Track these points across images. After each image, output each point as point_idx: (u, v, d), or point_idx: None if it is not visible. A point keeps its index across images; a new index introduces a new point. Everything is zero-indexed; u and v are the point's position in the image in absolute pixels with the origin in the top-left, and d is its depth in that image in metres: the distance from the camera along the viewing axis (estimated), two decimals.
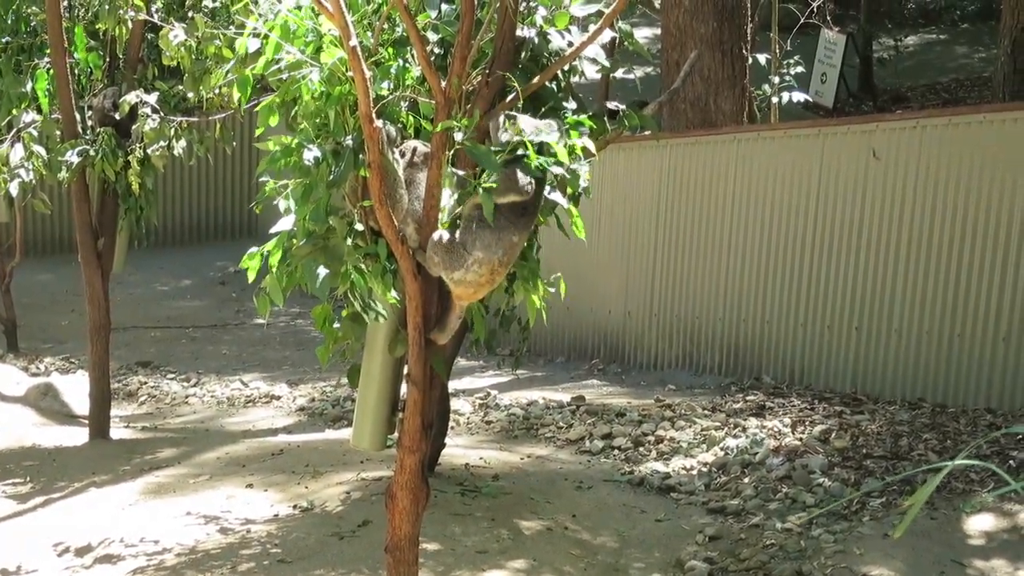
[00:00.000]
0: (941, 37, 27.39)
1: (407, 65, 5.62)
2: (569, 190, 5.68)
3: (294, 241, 5.49)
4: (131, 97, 9.02)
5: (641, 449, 9.47)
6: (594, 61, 6.03)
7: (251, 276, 5.58)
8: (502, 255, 5.18)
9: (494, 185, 5.09)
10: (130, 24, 9.22)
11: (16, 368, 13.19)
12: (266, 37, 5.52)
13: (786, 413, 9.88)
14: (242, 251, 5.75)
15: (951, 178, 10.05)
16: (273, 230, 5.55)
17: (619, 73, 17.71)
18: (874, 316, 10.62)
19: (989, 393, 9.74)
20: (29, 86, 9.61)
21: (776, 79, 16.18)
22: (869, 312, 10.66)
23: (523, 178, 5.15)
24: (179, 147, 9.26)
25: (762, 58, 15.59)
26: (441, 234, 5.25)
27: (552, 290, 5.90)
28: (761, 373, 11.55)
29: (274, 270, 5.51)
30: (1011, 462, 7.96)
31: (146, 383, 13.14)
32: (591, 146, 5.83)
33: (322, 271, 5.39)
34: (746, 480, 8.47)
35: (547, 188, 5.47)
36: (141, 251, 16.20)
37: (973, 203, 9.92)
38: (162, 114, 9.11)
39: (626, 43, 6.57)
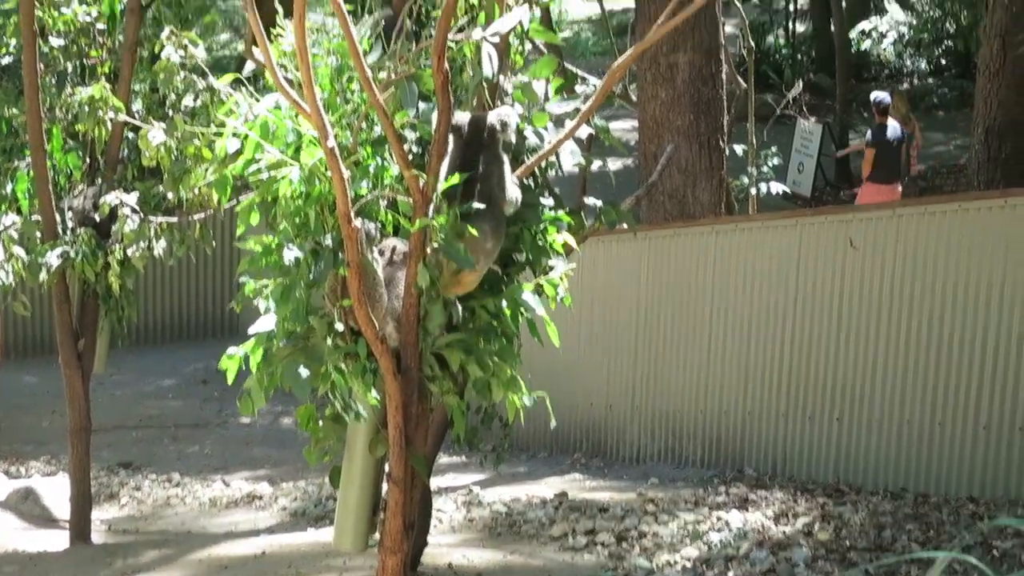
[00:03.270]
0: (917, 125, 27.64)
1: (386, 164, 5.66)
2: (547, 291, 5.69)
3: (274, 342, 5.48)
4: (111, 197, 9.00)
5: (624, 544, 9.40)
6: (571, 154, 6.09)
7: (230, 378, 5.57)
8: None
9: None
10: (110, 125, 9.24)
11: None
12: (246, 137, 5.56)
13: (769, 505, 9.84)
14: (224, 350, 5.73)
15: (928, 267, 10.10)
16: (252, 330, 5.54)
17: (596, 167, 17.80)
18: (855, 406, 10.62)
19: (971, 482, 9.73)
20: (9, 187, 9.63)
21: (753, 170, 16.31)
22: (850, 402, 10.66)
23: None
24: (159, 247, 9.24)
25: (739, 149, 15.72)
26: None
27: (529, 401, 5.87)
28: (743, 465, 11.52)
29: (255, 371, 5.50)
30: (994, 551, 7.94)
31: (127, 484, 13.04)
32: (572, 241, 5.87)
33: (303, 372, 5.38)
34: (731, 574, 8.42)
35: (524, 292, 5.49)
36: (122, 351, 16.08)
37: (951, 291, 9.96)
38: (142, 214, 9.10)
39: (602, 137, 6.62)
